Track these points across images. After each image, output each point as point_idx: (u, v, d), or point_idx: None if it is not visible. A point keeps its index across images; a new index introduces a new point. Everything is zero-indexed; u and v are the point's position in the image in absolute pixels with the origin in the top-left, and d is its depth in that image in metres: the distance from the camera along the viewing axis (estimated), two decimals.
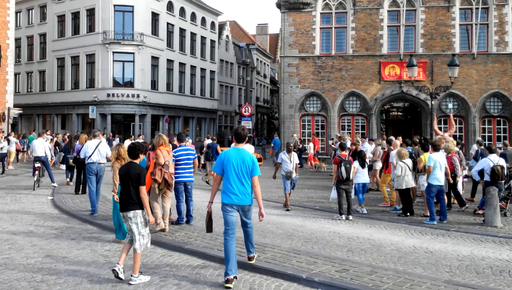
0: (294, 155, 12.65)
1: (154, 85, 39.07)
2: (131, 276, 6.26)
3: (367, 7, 27.93)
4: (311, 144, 25.40)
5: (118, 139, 33.85)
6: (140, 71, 37.03)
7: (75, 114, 38.67)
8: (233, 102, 54.64)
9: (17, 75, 40.22)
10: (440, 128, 22.79)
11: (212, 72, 48.60)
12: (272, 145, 27.33)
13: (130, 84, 37.14)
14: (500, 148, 15.06)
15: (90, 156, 11.64)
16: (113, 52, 36.44)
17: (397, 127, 32.65)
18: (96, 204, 10.95)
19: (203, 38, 46.63)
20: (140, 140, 23.66)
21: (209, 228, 6.70)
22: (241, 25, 67.60)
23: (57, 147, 23.48)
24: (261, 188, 7.24)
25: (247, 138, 6.64)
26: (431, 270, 7.01)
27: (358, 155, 12.22)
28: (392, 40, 27.85)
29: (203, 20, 46.59)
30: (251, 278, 6.53)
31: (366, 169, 12.31)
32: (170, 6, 41.01)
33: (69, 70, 39.17)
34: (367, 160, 13.46)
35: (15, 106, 29.13)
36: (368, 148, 17.31)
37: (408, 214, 11.51)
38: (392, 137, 16.13)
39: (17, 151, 25.43)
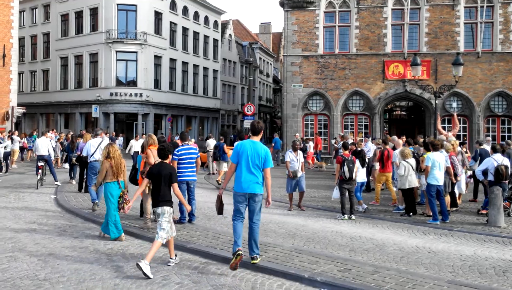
0: (300, 154, 12.52)
1: (157, 84, 39.10)
2: (142, 260, 6.49)
3: (371, 6, 27.87)
4: (311, 143, 25.30)
5: (121, 138, 33.94)
6: (143, 70, 37.07)
7: (78, 113, 38.76)
8: (235, 101, 54.62)
9: (21, 74, 40.34)
10: (444, 128, 22.72)
11: (215, 71, 48.59)
12: (273, 144, 27.31)
13: (133, 83, 37.19)
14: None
15: (92, 154, 11.66)
16: (116, 51, 36.49)
17: (401, 126, 32.62)
18: (95, 195, 10.97)
19: (206, 37, 46.62)
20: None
21: (220, 211, 7.13)
22: (244, 24, 67.55)
23: (61, 146, 23.52)
24: None
25: (262, 131, 7.11)
26: (433, 270, 6.99)
27: (358, 155, 12.22)
28: (396, 39, 27.79)
29: (206, 19, 46.58)
30: (253, 278, 6.52)
31: (365, 169, 12.40)
32: (173, 5, 41.02)
33: (73, 69, 39.26)
34: (367, 159, 13.59)
35: (19, 105, 29.22)
36: (371, 147, 17.26)
37: (411, 214, 11.47)
38: (395, 137, 16.11)
39: (23, 149, 25.55)
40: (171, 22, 40.74)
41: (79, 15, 38.74)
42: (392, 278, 6.29)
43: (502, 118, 26.90)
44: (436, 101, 19.94)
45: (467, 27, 27.20)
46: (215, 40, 48.62)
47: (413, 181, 11.47)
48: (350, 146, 14.54)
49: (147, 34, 37.05)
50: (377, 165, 15.14)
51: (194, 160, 10.03)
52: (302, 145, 25.80)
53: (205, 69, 46.62)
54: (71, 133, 24.78)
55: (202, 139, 35.03)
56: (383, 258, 7.63)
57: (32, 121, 42.82)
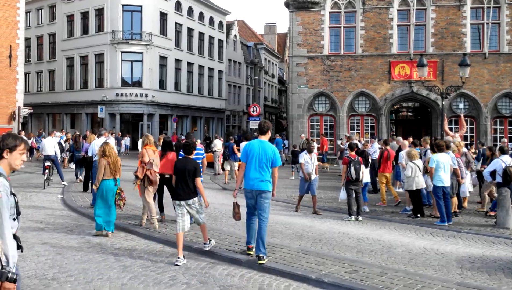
0: (315, 156, 12.30)
1: (162, 84, 39.17)
2: (204, 243, 7.58)
3: (377, 6, 27.78)
4: (314, 143, 25.15)
5: (128, 139, 34.03)
6: (148, 70, 37.14)
7: (84, 113, 38.89)
8: (241, 102, 54.63)
9: (27, 75, 40.51)
10: (450, 129, 22.61)
11: (220, 71, 48.62)
12: (275, 145, 27.18)
13: (138, 83, 37.28)
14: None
15: (96, 154, 11.70)
16: (122, 52, 36.59)
17: (407, 127, 32.48)
18: None
19: (211, 37, 46.66)
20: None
21: (237, 216, 7.54)
22: (249, 25, 67.58)
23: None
24: None
25: (269, 130, 7.43)
26: (442, 272, 6.95)
27: (361, 155, 12.20)
28: (402, 40, 27.69)
29: (211, 19, 46.62)
30: (260, 278, 6.50)
31: (368, 169, 12.40)
32: (178, 6, 41.09)
33: (78, 69, 39.41)
34: (370, 159, 13.66)
35: (25, 105, 29.31)
36: (377, 148, 17.21)
37: (419, 215, 11.41)
38: (400, 138, 16.06)
39: (32, 149, 25.69)
40: (176, 23, 40.80)
41: (84, 15, 38.87)
42: (400, 280, 6.25)
43: (510, 119, 26.74)
44: (443, 102, 19.84)
45: (474, 28, 27.06)
46: (220, 41, 48.66)
47: (420, 182, 11.40)
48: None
49: (152, 35, 37.13)
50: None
51: (200, 161, 10.04)
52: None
53: (210, 69, 46.66)
54: (77, 133, 24.89)
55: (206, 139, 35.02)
56: (390, 260, 7.59)
57: (39, 121, 43.00)
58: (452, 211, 11.14)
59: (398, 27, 27.74)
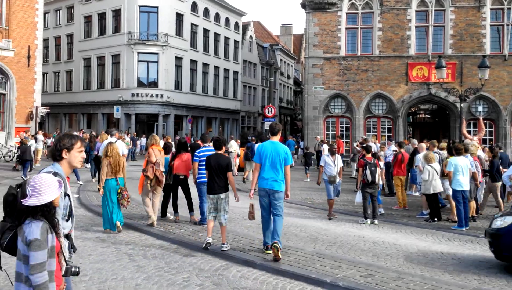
0: (338, 158, 11.67)
1: (177, 85, 39.34)
2: (222, 244, 7.64)
3: (395, 7, 27.51)
4: (325, 146, 24.93)
5: (144, 139, 34.24)
6: (164, 71, 37.34)
7: (100, 113, 39.25)
8: (256, 103, 54.61)
9: (45, 75, 41.01)
10: (469, 132, 22.26)
11: (235, 72, 48.68)
12: (286, 146, 27.06)
13: (154, 84, 37.49)
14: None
15: None
16: (138, 53, 36.85)
17: (425, 130, 32.11)
18: None
19: (226, 38, 46.74)
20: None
21: (251, 216, 7.79)
22: (265, 26, 67.54)
23: None
24: None
25: (280, 131, 7.75)
26: (459, 277, 6.83)
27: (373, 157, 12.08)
28: (420, 41, 27.36)
29: (227, 20, 46.71)
30: (274, 281, 6.44)
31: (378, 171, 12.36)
32: (194, 7, 41.25)
33: (95, 70, 39.80)
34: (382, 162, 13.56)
35: (43, 105, 29.67)
36: (393, 151, 17.00)
37: (436, 219, 11.22)
38: (415, 140, 15.87)
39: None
40: (192, 24, 40.96)
41: (102, 16, 39.26)
42: (417, 285, 6.15)
43: None
44: (462, 105, 19.54)
45: (494, 29, 26.63)
46: (236, 42, 48.71)
47: (437, 186, 11.21)
48: (361, 149, 14.48)
49: (168, 36, 37.32)
50: None
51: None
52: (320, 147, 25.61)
53: (226, 70, 46.73)
54: (93, 133, 25.12)
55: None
56: (406, 264, 7.48)
57: (55, 121, 43.52)
58: (470, 216, 10.93)
59: (416, 28, 27.43)
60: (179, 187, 10.15)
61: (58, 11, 43.39)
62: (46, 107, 30.24)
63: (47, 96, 40.42)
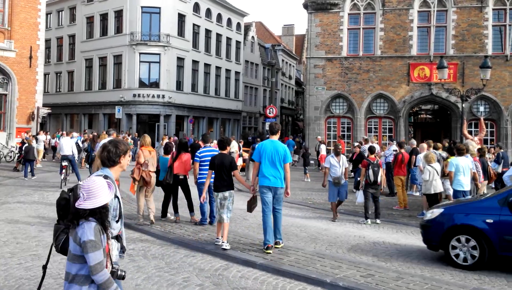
0: (343, 159, 11.30)
1: (179, 85, 39.33)
2: (222, 242, 7.74)
3: (397, 8, 27.49)
4: (323, 146, 24.90)
5: None
6: (166, 72, 37.35)
7: (102, 114, 39.27)
8: (257, 103, 54.59)
9: (47, 75, 41.07)
10: (470, 132, 22.22)
11: (237, 73, 48.66)
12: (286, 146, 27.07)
13: (155, 84, 37.49)
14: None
15: None
16: (140, 53, 36.86)
17: (426, 130, 32.06)
18: None
19: (228, 39, 46.74)
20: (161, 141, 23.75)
21: (251, 209, 8.00)
22: (266, 26, 67.50)
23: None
24: None
25: (279, 131, 8.06)
26: (459, 277, 6.85)
27: (364, 158, 12.10)
28: (422, 41, 27.33)
29: (229, 21, 46.70)
30: (274, 281, 6.44)
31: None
32: (196, 7, 41.26)
33: (97, 70, 39.83)
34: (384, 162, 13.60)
35: (44, 105, 29.65)
36: (393, 151, 16.97)
37: None
38: (414, 140, 15.85)
39: (55, 148, 26.19)
40: (194, 24, 40.96)
41: (104, 17, 39.28)
42: (417, 285, 6.16)
43: None
44: (463, 105, 19.51)
45: (496, 30, 26.57)
46: (238, 42, 48.71)
47: (438, 186, 11.20)
48: (356, 148, 14.49)
49: (170, 36, 37.33)
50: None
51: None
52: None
53: (227, 71, 46.72)
54: (94, 133, 25.14)
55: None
56: (407, 264, 7.49)
57: (57, 122, 43.56)
58: None
59: (418, 29, 27.39)
60: (179, 187, 10.15)
61: (60, 12, 43.44)
62: (47, 108, 30.24)
63: (49, 96, 40.47)
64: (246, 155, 21.64)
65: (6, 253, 7.53)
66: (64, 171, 15.78)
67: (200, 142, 11.86)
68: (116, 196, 3.56)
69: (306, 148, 24.61)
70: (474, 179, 10.95)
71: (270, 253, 7.42)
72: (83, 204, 3.12)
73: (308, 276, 6.47)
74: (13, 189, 15.11)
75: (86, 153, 20.90)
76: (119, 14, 38.03)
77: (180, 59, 39.11)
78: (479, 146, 13.71)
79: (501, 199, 7.46)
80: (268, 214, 7.70)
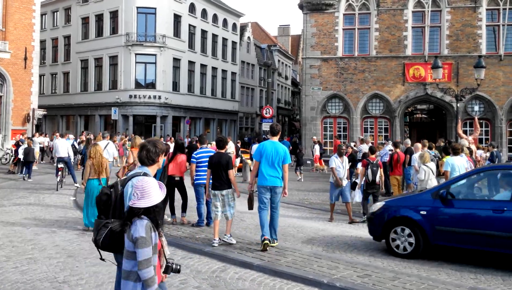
0: (346, 160, 11.35)
1: (175, 86, 39.30)
2: (225, 235, 8.13)
3: (391, 8, 27.57)
4: (317, 146, 24.95)
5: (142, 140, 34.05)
6: (162, 72, 37.31)
7: (97, 115, 39.18)
8: (254, 104, 54.61)
9: (42, 77, 40.92)
10: (465, 132, 22.30)
11: (233, 73, 48.67)
12: None
13: (151, 85, 37.44)
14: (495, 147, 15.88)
15: None
16: (136, 54, 36.81)
17: (421, 129, 32.17)
18: None
19: (224, 39, 46.73)
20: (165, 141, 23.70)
21: (251, 206, 8.20)
22: (262, 27, 67.52)
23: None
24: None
25: (279, 132, 8.20)
26: (455, 277, 6.86)
27: (363, 157, 12.16)
28: (417, 41, 27.43)
29: (225, 21, 46.70)
30: (271, 282, 6.45)
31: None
32: (192, 8, 41.24)
33: (93, 71, 39.73)
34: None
35: (40, 107, 29.55)
36: (388, 151, 17.02)
37: None
38: (408, 140, 15.90)
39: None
40: (190, 25, 40.93)
41: (99, 18, 39.19)
42: (413, 285, 6.18)
43: None
44: (458, 104, 19.60)
45: (489, 30, 26.70)
46: (234, 43, 48.71)
47: (433, 185, 11.23)
48: (348, 149, 14.54)
49: (166, 37, 37.29)
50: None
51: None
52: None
53: (224, 71, 46.72)
54: (89, 136, 25.07)
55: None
56: (403, 264, 7.51)
57: (53, 123, 43.41)
58: None
59: (412, 29, 27.49)
60: (176, 189, 10.14)
61: (55, 13, 43.30)
62: (43, 109, 30.14)
63: (44, 98, 40.32)
64: (244, 156, 21.61)
65: (1, 256, 7.50)
66: (60, 173, 15.73)
67: (197, 144, 11.87)
68: None
69: (300, 148, 24.69)
70: None
71: (267, 243, 7.64)
72: (138, 203, 3.25)
73: (305, 277, 6.49)
74: (8, 191, 15.06)
75: (81, 156, 20.83)
76: (114, 14, 37.95)
77: (176, 60, 39.07)
78: (469, 146, 13.80)
79: (434, 193, 7.97)
80: (265, 212, 7.93)
